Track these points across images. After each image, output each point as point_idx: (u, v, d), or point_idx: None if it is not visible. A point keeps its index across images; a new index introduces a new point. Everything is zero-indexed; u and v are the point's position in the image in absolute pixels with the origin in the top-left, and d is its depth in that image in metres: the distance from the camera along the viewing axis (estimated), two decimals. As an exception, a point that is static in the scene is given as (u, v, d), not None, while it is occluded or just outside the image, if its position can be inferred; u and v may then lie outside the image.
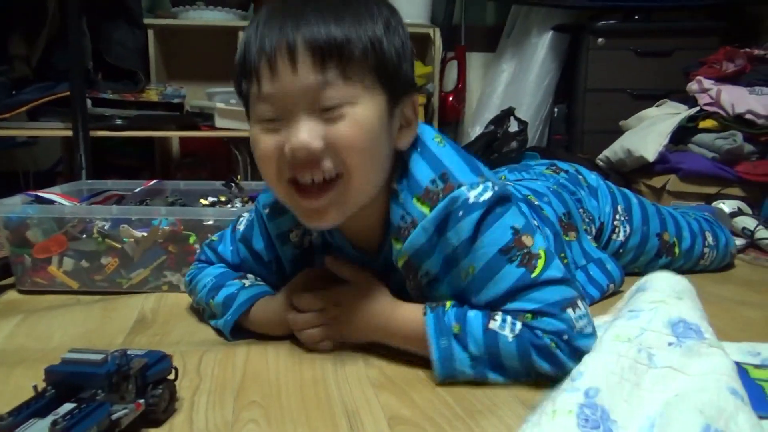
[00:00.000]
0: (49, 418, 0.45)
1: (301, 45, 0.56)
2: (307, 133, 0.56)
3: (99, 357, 0.49)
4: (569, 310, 0.59)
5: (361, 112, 0.58)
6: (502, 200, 0.62)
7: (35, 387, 0.49)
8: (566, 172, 1.02)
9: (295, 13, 0.57)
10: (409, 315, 0.64)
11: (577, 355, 0.56)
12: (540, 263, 0.61)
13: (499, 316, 0.60)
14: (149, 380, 0.52)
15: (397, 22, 0.62)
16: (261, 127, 0.60)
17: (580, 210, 0.95)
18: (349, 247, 0.71)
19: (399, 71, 0.61)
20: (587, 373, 0.51)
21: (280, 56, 0.56)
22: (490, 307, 0.62)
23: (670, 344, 0.52)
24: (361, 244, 0.71)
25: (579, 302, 0.60)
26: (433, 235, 0.62)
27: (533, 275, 0.60)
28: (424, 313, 0.62)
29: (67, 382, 0.49)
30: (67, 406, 0.47)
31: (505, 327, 0.59)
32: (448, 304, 0.63)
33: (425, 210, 0.62)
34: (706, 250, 1.06)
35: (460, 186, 0.61)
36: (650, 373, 0.50)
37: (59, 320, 0.82)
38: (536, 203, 0.86)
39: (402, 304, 0.66)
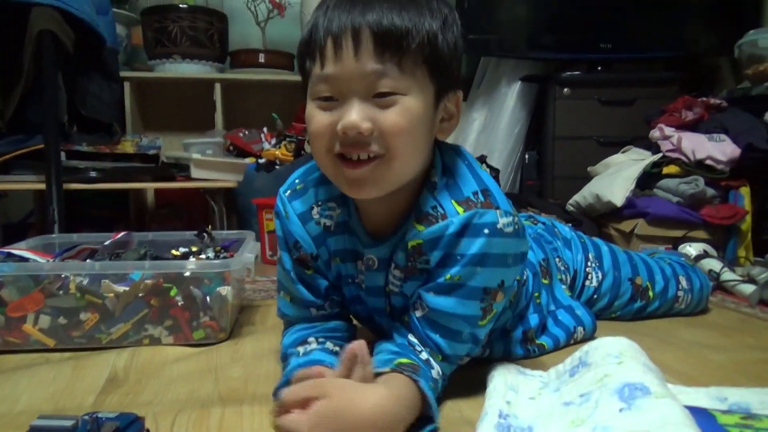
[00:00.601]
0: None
1: (366, 30, 0.60)
2: (358, 115, 0.61)
3: (68, 423, 0.49)
4: (461, 360, 0.72)
5: (410, 102, 0.62)
6: (521, 257, 0.69)
7: None
8: (543, 223, 1.07)
9: (363, 1, 0.61)
10: (405, 391, 0.61)
11: None
12: (488, 317, 0.69)
13: (429, 359, 0.67)
14: None
15: (453, 20, 0.66)
16: (317, 104, 0.64)
17: (557, 259, 0.99)
18: (362, 231, 0.73)
19: (449, 67, 0.65)
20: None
21: (344, 39, 0.60)
22: (425, 319, 0.68)
23: (621, 410, 0.54)
24: (376, 228, 0.73)
25: (472, 353, 0.73)
26: (454, 233, 0.66)
27: (480, 323, 0.69)
28: (416, 381, 0.62)
29: None
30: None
31: (437, 372, 0.67)
32: (416, 364, 0.65)
33: (460, 210, 0.66)
34: (680, 293, 1.09)
35: (497, 208, 0.66)
36: None
37: (26, 381, 0.80)
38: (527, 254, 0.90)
39: (391, 387, 0.61)
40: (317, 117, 0.64)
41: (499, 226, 0.65)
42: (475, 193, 0.67)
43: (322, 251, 0.76)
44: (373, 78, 0.61)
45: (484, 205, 0.66)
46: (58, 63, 1.57)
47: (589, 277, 1.02)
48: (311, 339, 0.75)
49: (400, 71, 0.61)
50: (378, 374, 0.62)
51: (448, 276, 0.66)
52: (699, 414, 0.58)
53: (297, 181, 0.78)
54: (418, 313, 0.69)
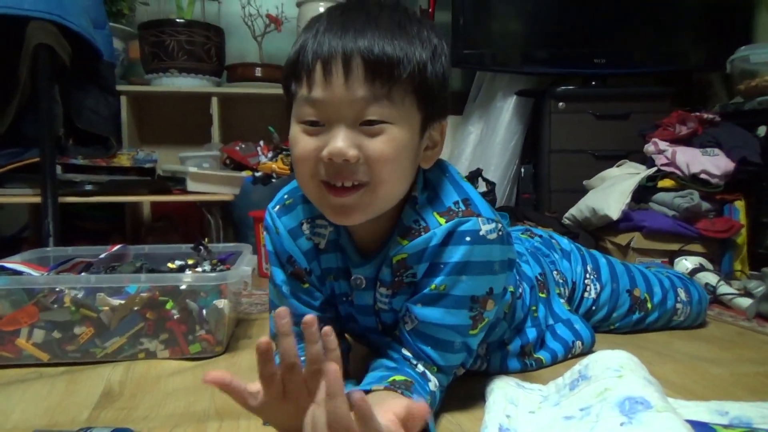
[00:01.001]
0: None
1: (357, 57, 0.60)
2: (345, 142, 0.60)
3: None
4: (457, 370, 0.73)
5: (396, 132, 0.62)
6: (507, 264, 0.70)
7: None
8: (540, 236, 1.07)
9: (355, 27, 0.61)
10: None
11: None
12: (480, 326, 0.69)
13: (424, 371, 0.67)
14: None
15: (441, 50, 0.66)
16: (302, 128, 0.63)
17: (555, 272, 0.99)
18: (352, 249, 0.73)
19: (437, 97, 0.65)
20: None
21: (335, 64, 0.60)
22: (415, 332, 0.68)
23: (622, 425, 0.54)
24: (364, 245, 0.73)
25: (467, 363, 0.75)
26: (438, 244, 0.66)
27: (470, 332, 0.69)
28: (410, 398, 0.61)
29: None
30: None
31: (433, 384, 0.67)
32: (410, 380, 0.64)
33: (441, 221, 0.67)
34: (679, 305, 1.09)
35: (478, 215, 0.66)
36: None
37: (19, 396, 0.79)
38: (516, 260, 0.90)
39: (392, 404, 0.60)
40: (302, 141, 0.63)
41: (481, 233, 0.65)
42: (455, 203, 0.68)
43: (314, 266, 0.75)
44: (362, 105, 0.60)
45: (465, 213, 0.66)
46: (54, 76, 1.57)
47: (588, 288, 1.03)
48: None
49: (389, 100, 0.61)
50: (371, 391, 0.62)
51: (432, 286, 0.66)
52: (700, 428, 0.58)
53: (286, 196, 0.77)
54: (408, 327, 0.69)
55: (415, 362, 0.68)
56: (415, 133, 0.64)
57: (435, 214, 0.67)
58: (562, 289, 0.99)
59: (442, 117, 0.69)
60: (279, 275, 0.76)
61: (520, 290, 0.87)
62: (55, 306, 0.91)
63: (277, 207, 0.77)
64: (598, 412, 0.58)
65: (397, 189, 0.66)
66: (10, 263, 1.01)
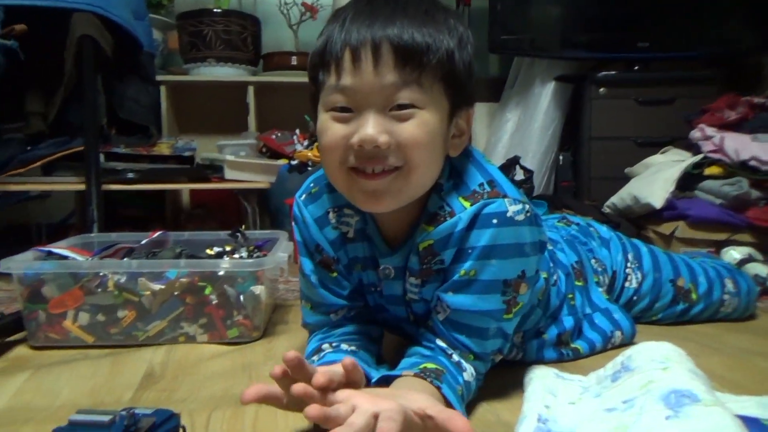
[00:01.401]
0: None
1: (386, 44, 0.59)
2: (376, 128, 0.60)
3: (106, 418, 0.49)
4: (495, 356, 0.71)
5: (426, 116, 0.62)
6: (539, 246, 0.68)
7: None
8: (577, 224, 1.04)
9: (384, 15, 0.61)
10: (421, 390, 0.60)
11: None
12: (514, 310, 0.68)
13: (460, 360, 0.67)
14: None
15: (467, 39, 0.66)
16: (332, 115, 0.63)
17: (593, 260, 0.96)
18: (379, 239, 0.73)
19: (464, 84, 0.65)
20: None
21: (364, 51, 0.60)
22: (448, 321, 0.67)
23: (667, 418, 0.52)
24: (391, 235, 0.72)
25: (504, 349, 0.72)
26: (464, 228, 0.65)
27: (505, 316, 0.67)
28: (438, 388, 0.61)
29: None
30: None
31: (469, 374, 0.67)
32: (441, 369, 0.64)
33: (467, 205, 0.66)
34: (726, 296, 1.05)
35: (504, 196, 0.65)
36: None
37: (67, 376, 0.81)
38: (550, 248, 0.89)
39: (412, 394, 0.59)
40: (331, 129, 0.63)
41: (509, 214, 0.64)
42: (480, 185, 0.67)
43: (341, 255, 0.75)
44: (392, 90, 0.60)
45: (490, 195, 0.65)
46: (97, 67, 1.60)
47: (629, 278, 1.00)
48: (326, 345, 0.73)
49: (418, 85, 0.61)
50: (401, 376, 0.62)
51: (462, 272, 0.65)
52: (751, 423, 0.56)
53: (312, 184, 0.77)
54: (441, 316, 0.68)
55: (450, 352, 0.67)
56: (444, 120, 0.64)
57: (460, 198, 0.67)
58: (601, 277, 0.96)
59: (468, 105, 0.68)
60: (308, 265, 0.76)
61: (555, 277, 0.85)
62: (99, 290, 0.93)
63: (304, 196, 0.77)
64: (641, 405, 0.56)
65: (429, 175, 0.65)
66: (58, 248, 1.05)
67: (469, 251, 0.65)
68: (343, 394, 0.55)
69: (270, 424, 0.65)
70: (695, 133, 1.74)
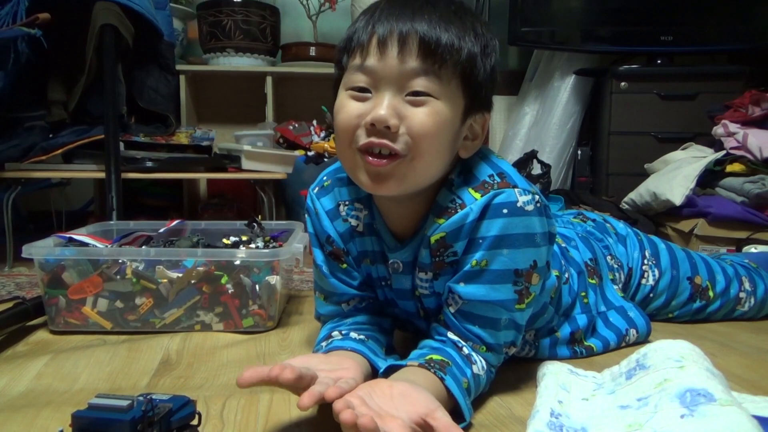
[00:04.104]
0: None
1: (413, 35, 0.62)
2: (388, 110, 0.62)
3: (125, 403, 0.50)
4: (508, 349, 0.70)
5: (440, 106, 0.63)
6: (549, 237, 0.68)
7: None
8: (593, 221, 1.04)
9: (414, 10, 0.63)
10: (423, 382, 0.61)
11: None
12: (527, 301, 0.68)
13: (470, 353, 0.67)
14: (173, 426, 0.53)
15: (492, 48, 0.67)
16: (350, 93, 0.65)
17: (608, 257, 0.95)
18: (387, 233, 0.73)
19: (482, 88, 0.66)
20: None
21: (391, 39, 0.62)
22: (460, 312, 0.67)
23: (682, 417, 0.52)
24: (399, 229, 0.73)
25: (517, 342, 0.71)
26: (475, 219, 0.65)
27: (517, 306, 0.67)
28: (441, 379, 0.62)
29: (93, 428, 0.50)
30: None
31: (479, 367, 0.67)
32: (447, 361, 0.64)
33: (477, 196, 0.66)
34: (743, 294, 1.04)
35: (514, 186, 0.66)
36: None
37: (85, 361, 0.83)
38: (563, 245, 0.89)
39: (413, 380, 0.61)
40: (348, 106, 0.65)
41: (519, 204, 0.65)
42: (490, 176, 0.67)
43: (350, 248, 0.76)
44: (411, 76, 0.62)
45: (500, 186, 0.66)
46: (118, 56, 1.62)
47: (645, 275, 0.99)
48: (335, 333, 0.75)
49: (437, 76, 0.62)
50: (406, 366, 0.63)
51: (473, 262, 0.66)
52: (768, 424, 0.55)
53: (325, 177, 0.78)
54: (452, 309, 0.68)
55: (461, 345, 0.67)
56: (457, 115, 0.65)
57: (470, 190, 0.67)
58: (616, 274, 0.95)
59: (485, 110, 0.69)
60: (319, 255, 0.78)
61: (566, 275, 0.84)
62: (118, 277, 0.95)
63: (317, 188, 0.78)
64: (656, 403, 0.56)
65: (433, 165, 0.66)
66: (78, 235, 1.06)
67: (480, 241, 0.65)
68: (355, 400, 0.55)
69: (283, 412, 0.65)
70: (718, 129, 1.71)
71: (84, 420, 0.50)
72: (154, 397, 0.53)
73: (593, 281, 0.89)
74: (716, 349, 0.88)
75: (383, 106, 0.62)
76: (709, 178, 1.66)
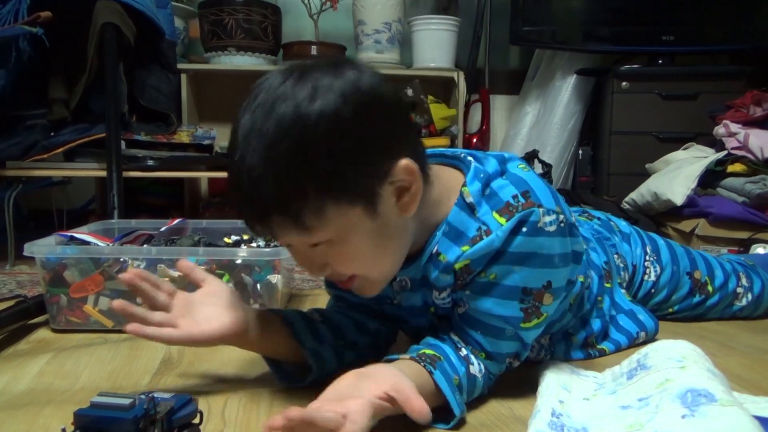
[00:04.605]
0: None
1: (257, 228, 0.61)
2: (311, 267, 0.64)
3: (127, 402, 0.50)
4: (512, 360, 0.69)
5: (341, 239, 0.60)
6: (571, 257, 0.67)
7: (63, 430, 0.50)
8: (599, 219, 1.03)
9: (243, 198, 0.59)
10: (408, 372, 0.61)
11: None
12: (535, 321, 0.66)
13: (468, 354, 0.66)
14: (174, 425, 0.53)
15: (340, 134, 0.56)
16: None
17: (615, 255, 0.95)
18: None
19: (345, 179, 0.57)
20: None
21: (258, 229, 0.61)
22: (465, 316, 0.67)
23: (683, 417, 0.52)
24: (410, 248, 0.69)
25: (521, 354, 0.69)
26: (499, 246, 0.63)
27: (522, 324, 0.66)
28: (430, 373, 0.61)
29: (95, 426, 0.50)
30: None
31: (476, 369, 0.66)
32: (438, 356, 0.64)
33: (502, 221, 0.63)
34: (740, 289, 1.05)
35: (539, 206, 0.63)
36: None
37: (87, 359, 0.83)
38: (584, 247, 0.87)
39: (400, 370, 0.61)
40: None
41: (539, 224, 0.63)
42: (514, 197, 0.64)
43: None
44: (296, 241, 0.61)
45: (525, 206, 0.63)
46: (119, 55, 1.62)
47: (648, 271, 0.99)
48: (316, 315, 0.76)
49: (307, 231, 0.58)
50: (398, 359, 0.63)
51: (483, 273, 0.64)
52: (769, 425, 0.55)
53: None
54: (460, 310, 0.68)
55: (460, 345, 0.67)
56: (361, 220, 0.59)
57: (494, 214, 0.64)
58: (622, 274, 0.95)
59: (388, 166, 0.59)
60: None
61: (589, 280, 0.83)
62: (119, 276, 0.95)
63: None
64: (657, 403, 0.56)
65: (390, 261, 0.65)
66: (79, 233, 1.06)
67: (495, 256, 0.64)
68: (316, 403, 0.55)
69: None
70: (719, 129, 1.71)
71: (86, 418, 0.50)
72: (155, 395, 0.53)
73: (608, 285, 0.89)
74: (717, 350, 0.88)
75: (306, 266, 0.64)
76: (710, 178, 1.66)
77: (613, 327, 0.88)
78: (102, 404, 0.51)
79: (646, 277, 0.99)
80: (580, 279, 0.78)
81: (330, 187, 0.57)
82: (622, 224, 1.04)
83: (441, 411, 0.61)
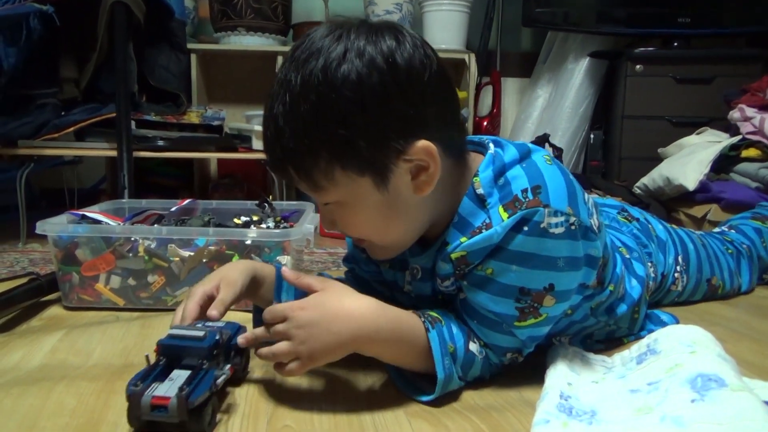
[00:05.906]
0: (171, 384, 0.54)
1: (280, 168, 0.63)
2: (323, 222, 0.67)
3: (201, 333, 0.60)
4: (513, 355, 0.68)
5: (349, 204, 0.62)
6: (581, 261, 0.65)
7: (147, 357, 0.59)
8: (638, 220, 0.99)
9: (270, 138, 0.62)
10: (406, 319, 0.62)
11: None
12: (531, 321, 0.64)
13: (472, 334, 0.66)
14: (232, 349, 0.64)
15: (364, 106, 0.57)
16: None
17: (649, 263, 0.92)
18: None
19: (362, 150, 0.58)
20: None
21: (279, 175, 0.65)
22: (465, 303, 0.66)
23: (693, 401, 0.52)
24: (426, 233, 0.69)
25: (521, 353, 0.68)
26: (497, 242, 0.61)
27: (516, 323, 0.64)
28: (427, 330, 0.62)
29: (175, 353, 0.59)
30: (180, 373, 0.56)
31: (477, 348, 0.65)
32: (440, 319, 0.64)
33: (504, 216, 0.61)
34: (736, 286, 1.10)
35: (546, 206, 0.61)
36: None
37: (99, 336, 0.84)
38: (627, 256, 0.85)
39: (390, 310, 0.62)
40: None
41: (542, 225, 0.60)
42: (523, 191, 0.61)
43: None
44: (311, 192, 0.63)
45: (530, 204, 0.60)
46: (129, 34, 1.61)
47: (676, 282, 0.98)
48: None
49: (320, 189, 0.61)
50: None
51: (479, 267, 0.63)
52: (779, 410, 0.55)
53: None
54: (462, 295, 0.67)
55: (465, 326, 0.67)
56: (369, 193, 0.60)
57: (500, 208, 0.62)
58: (651, 283, 0.92)
59: (400, 154, 0.59)
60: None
61: (621, 290, 0.78)
62: (130, 254, 0.96)
63: None
64: (667, 388, 0.56)
65: (399, 232, 0.65)
66: (91, 212, 1.07)
67: (493, 252, 0.62)
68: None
69: (295, 389, 0.66)
70: (734, 114, 1.69)
71: (168, 347, 0.59)
72: (212, 325, 0.63)
73: (647, 297, 0.86)
74: (727, 335, 0.87)
75: (320, 216, 0.68)
76: (723, 163, 1.64)
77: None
78: (179, 335, 0.60)
79: (674, 287, 0.98)
80: (610, 288, 0.74)
81: (341, 155, 0.58)
82: (660, 229, 1.00)
83: (428, 376, 0.62)
